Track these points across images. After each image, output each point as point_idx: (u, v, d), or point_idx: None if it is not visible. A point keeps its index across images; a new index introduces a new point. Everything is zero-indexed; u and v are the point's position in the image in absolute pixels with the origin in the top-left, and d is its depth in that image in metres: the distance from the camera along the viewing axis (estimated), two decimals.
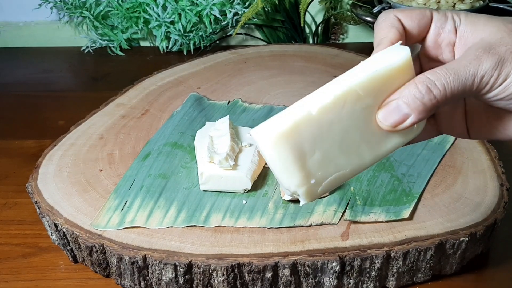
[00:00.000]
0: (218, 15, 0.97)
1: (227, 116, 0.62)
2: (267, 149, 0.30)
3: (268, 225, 0.52)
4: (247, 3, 1.00)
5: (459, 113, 0.37)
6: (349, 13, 1.01)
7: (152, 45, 1.06)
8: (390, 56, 0.31)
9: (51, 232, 0.54)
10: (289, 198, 0.53)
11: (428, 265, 0.50)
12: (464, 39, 0.34)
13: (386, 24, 0.34)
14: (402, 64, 0.31)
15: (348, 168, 0.32)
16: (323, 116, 0.30)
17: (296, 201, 0.54)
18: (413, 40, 0.35)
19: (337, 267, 0.48)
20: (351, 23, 1.04)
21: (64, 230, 0.52)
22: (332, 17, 1.03)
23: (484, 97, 0.33)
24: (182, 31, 0.98)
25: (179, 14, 0.97)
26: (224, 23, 1.00)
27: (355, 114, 0.31)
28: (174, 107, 0.72)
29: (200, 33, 0.99)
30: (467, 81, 0.31)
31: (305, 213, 0.53)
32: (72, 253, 0.53)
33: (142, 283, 0.50)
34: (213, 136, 0.59)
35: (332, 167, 0.32)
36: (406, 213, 0.52)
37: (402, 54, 0.31)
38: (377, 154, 0.33)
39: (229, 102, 0.73)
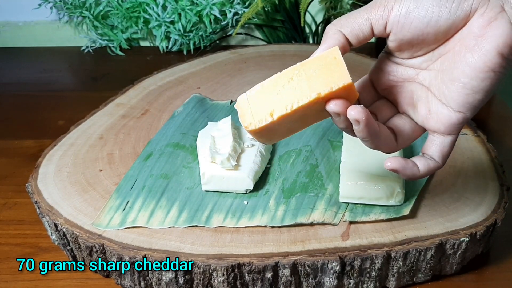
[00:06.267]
0: (218, 15, 0.97)
1: (229, 116, 0.62)
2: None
3: (270, 223, 0.52)
4: (247, 3, 1.00)
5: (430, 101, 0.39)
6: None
7: (152, 45, 1.06)
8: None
9: (51, 232, 0.54)
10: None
11: (428, 265, 0.50)
12: None
13: (330, 35, 0.39)
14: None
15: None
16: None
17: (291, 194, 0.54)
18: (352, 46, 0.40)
19: (337, 267, 0.48)
20: None
21: (64, 230, 0.52)
22: (332, 17, 1.03)
23: (393, 46, 0.38)
24: (182, 31, 0.98)
25: (179, 14, 0.97)
26: (224, 23, 1.00)
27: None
28: (174, 107, 0.72)
29: (200, 33, 0.99)
30: (361, 24, 0.37)
31: (306, 208, 0.53)
32: (72, 253, 0.53)
33: (142, 283, 0.50)
34: (215, 136, 0.59)
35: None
36: (406, 211, 0.52)
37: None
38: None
39: (231, 102, 0.73)
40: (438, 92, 0.38)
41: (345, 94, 0.37)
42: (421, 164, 0.39)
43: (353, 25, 0.38)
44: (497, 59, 0.34)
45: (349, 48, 0.39)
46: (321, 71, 0.37)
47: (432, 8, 0.35)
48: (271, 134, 0.40)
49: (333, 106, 0.37)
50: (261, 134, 0.40)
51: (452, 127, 0.38)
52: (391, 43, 0.39)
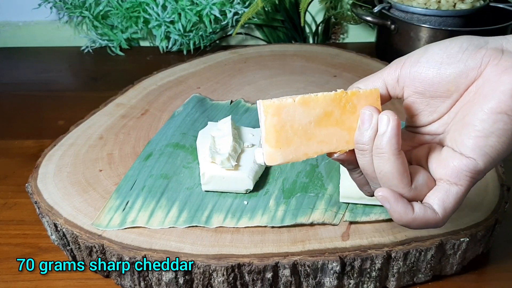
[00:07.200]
0: (218, 15, 0.97)
1: (229, 116, 0.61)
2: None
3: (270, 223, 0.52)
4: (247, 3, 1.00)
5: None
6: (349, 12, 1.01)
7: (152, 45, 1.06)
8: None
9: (51, 232, 0.54)
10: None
11: (428, 265, 0.50)
12: None
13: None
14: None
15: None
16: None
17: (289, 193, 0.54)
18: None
19: (338, 268, 0.48)
20: (351, 22, 1.04)
21: (63, 230, 0.52)
22: (332, 16, 1.03)
23: (406, 103, 0.38)
24: (182, 30, 0.98)
25: (179, 14, 0.97)
26: (224, 22, 1.00)
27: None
28: (174, 107, 0.72)
29: (200, 33, 0.99)
30: (375, 82, 0.38)
31: (306, 209, 0.53)
32: (72, 253, 0.53)
33: (142, 283, 0.50)
34: (215, 136, 0.59)
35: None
36: None
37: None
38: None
39: (231, 102, 0.73)
40: (451, 142, 0.37)
41: (371, 103, 0.37)
42: (417, 207, 0.36)
43: (366, 82, 0.39)
44: (511, 102, 0.33)
45: None
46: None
47: (441, 59, 0.36)
48: (289, 137, 0.37)
49: (368, 107, 0.36)
50: (279, 123, 0.36)
51: (460, 173, 0.35)
52: (406, 101, 0.38)
